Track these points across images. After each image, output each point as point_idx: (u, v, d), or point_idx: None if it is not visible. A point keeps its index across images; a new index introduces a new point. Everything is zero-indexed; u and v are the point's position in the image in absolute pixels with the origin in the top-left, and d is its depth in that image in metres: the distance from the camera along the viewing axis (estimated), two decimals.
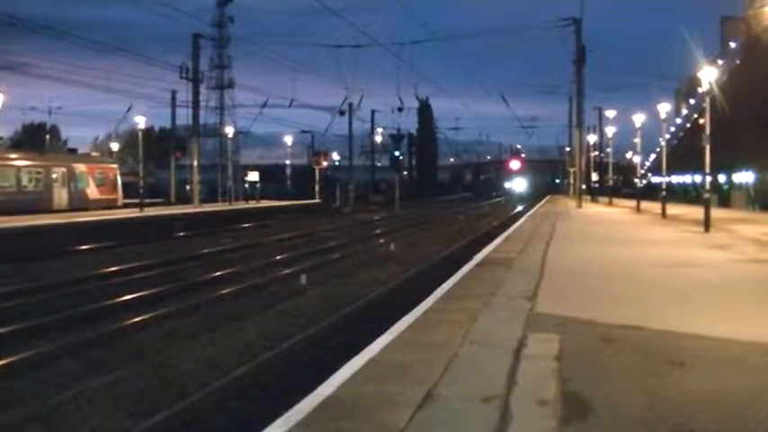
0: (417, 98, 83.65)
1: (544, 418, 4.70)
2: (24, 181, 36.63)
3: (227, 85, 60.79)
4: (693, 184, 69.55)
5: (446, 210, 55.41)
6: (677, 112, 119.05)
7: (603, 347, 6.64)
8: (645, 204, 38.29)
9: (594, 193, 62.17)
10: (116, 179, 44.04)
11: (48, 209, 35.26)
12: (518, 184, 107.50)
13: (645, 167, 73.44)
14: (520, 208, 55.82)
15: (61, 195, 38.50)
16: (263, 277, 17.58)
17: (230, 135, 55.86)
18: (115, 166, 45.34)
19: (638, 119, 41.11)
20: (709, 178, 23.81)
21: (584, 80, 44.65)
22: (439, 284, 10.92)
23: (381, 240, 27.94)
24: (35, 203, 34.80)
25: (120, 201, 42.64)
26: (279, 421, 4.81)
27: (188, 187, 50.09)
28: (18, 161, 37.61)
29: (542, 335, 7.13)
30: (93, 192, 41.16)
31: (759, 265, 13.47)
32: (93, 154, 51.21)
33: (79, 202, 38.76)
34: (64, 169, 39.31)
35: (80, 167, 41.05)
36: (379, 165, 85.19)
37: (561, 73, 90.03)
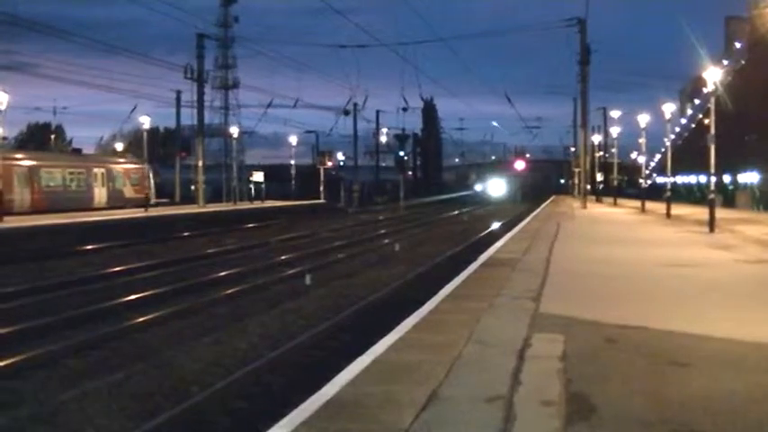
0: (422, 98, 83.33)
1: (548, 419, 4.71)
2: (68, 181, 39.00)
3: (231, 86, 60.63)
4: (698, 185, 69.41)
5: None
6: (682, 113, 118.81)
7: (607, 348, 6.65)
8: (649, 205, 38.22)
9: (599, 193, 62.17)
10: (148, 179, 46.30)
11: (88, 207, 37.72)
12: (495, 187, 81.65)
13: (650, 168, 73.37)
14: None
15: (101, 194, 41.07)
16: (267, 277, 17.60)
17: (235, 135, 55.80)
18: (147, 166, 47.37)
19: (643, 119, 41.03)
20: (714, 179, 23.77)
21: (588, 80, 44.59)
22: (443, 285, 10.93)
23: (386, 240, 27.94)
24: (78, 202, 37.38)
25: (152, 199, 44.33)
26: (283, 421, 4.83)
27: (193, 187, 50.43)
28: (64, 163, 40.55)
29: (546, 335, 7.14)
30: (128, 191, 43.74)
31: (763, 265, 13.45)
32: (127, 156, 52.85)
33: (116, 201, 41.35)
34: (103, 170, 42.08)
35: (117, 168, 43.99)
36: (384, 165, 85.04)
37: (566, 73, 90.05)
